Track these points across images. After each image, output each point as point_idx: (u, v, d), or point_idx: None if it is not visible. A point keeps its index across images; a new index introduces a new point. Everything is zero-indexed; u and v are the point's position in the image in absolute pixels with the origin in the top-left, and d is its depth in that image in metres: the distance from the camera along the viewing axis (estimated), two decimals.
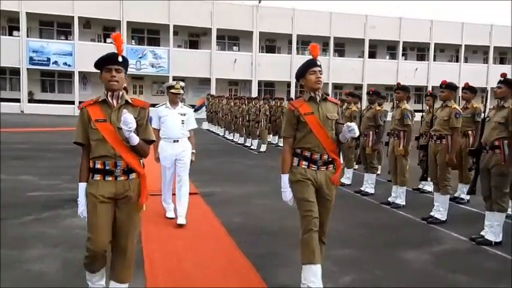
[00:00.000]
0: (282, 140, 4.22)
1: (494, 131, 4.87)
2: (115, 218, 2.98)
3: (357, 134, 3.33)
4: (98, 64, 2.93)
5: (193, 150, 5.59)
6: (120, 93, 2.99)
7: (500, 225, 4.91)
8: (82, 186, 2.99)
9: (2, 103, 29.64)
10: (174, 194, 5.67)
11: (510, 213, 5.81)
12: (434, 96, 7.56)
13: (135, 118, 2.86)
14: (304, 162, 3.44)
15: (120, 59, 2.91)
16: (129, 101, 3.00)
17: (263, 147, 13.72)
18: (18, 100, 31.17)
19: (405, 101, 6.73)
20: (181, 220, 5.29)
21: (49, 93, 33.72)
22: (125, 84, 3.04)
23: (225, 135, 17.82)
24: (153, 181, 6.04)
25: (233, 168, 10.34)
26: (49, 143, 13.74)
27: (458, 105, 6.74)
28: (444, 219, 5.75)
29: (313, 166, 3.43)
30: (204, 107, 22.56)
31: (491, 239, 4.90)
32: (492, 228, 4.93)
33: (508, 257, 4.49)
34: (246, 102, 15.35)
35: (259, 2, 34.28)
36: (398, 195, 6.65)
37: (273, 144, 15.08)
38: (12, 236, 4.77)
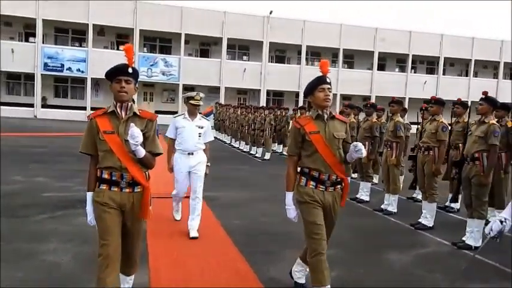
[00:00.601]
0: (285, 148, 4.28)
1: (475, 144, 5.28)
2: (122, 227, 3.00)
3: (364, 154, 3.29)
4: (108, 75, 2.95)
5: (208, 164, 5.50)
6: (129, 104, 2.99)
7: (480, 231, 5.25)
8: (89, 195, 3.02)
9: (16, 108, 30.52)
10: (185, 197, 5.78)
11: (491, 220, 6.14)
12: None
13: (142, 130, 2.89)
14: (312, 183, 3.37)
15: (130, 70, 2.92)
16: (137, 112, 3.00)
17: (267, 155, 14.05)
18: (31, 105, 31.87)
19: (399, 114, 7.15)
20: (193, 233, 5.23)
21: (62, 99, 34.34)
22: (134, 97, 3.15)
23: (232, 143, 18.25)
24: (165, 184, 6.44)
25: (237, 175, 10.77)
26: (63, 147, 14.26)
27: (451, 120, 7.15)
28: (431, 225, 6.12)
29: (321, 187, 3.37)
30: (212, 114, 23.00)
31: (471, 243, 5.27)
32: (472, 234, 5.31)
33: (485, 260, 4.79)
34: (252, 111, 15.72)
35: (271, 13, 34.77)
36: (390, 202, 7.02)
37: (277, 152, 15.46)
38: (29, 232, 5.24)
